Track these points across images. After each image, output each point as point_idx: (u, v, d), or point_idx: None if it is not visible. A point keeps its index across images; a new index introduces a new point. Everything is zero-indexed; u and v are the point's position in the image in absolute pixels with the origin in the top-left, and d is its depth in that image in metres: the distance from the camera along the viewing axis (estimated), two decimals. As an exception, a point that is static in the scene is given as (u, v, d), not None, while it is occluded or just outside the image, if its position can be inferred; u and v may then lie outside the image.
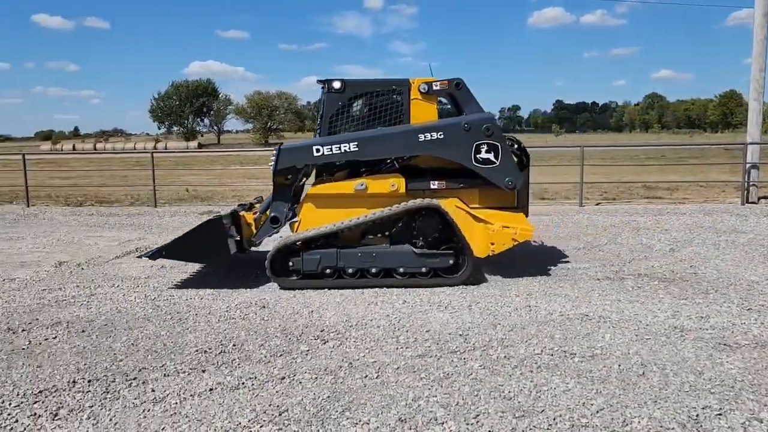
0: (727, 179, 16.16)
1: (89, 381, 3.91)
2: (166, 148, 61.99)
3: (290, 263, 6.20)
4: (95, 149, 67.76)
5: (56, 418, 3.43)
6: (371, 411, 3.47)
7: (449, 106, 6.93)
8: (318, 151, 6.15)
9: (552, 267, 6.97)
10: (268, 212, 6.61)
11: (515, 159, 6.31)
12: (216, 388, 3.79)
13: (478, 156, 6.10)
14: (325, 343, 4.59)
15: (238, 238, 6.40)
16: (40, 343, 4.64)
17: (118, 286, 6.38)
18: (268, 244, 6.69)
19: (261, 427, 3.31)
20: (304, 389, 3.78)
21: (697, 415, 3.33)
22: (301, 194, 6.91)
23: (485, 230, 6.13)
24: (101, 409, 3.54)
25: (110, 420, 3.40)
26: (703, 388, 3.67)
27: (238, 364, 4.19)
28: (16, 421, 3.40)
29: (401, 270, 6.17)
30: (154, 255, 6.35)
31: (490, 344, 4.50)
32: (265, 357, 4.32)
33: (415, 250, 6.14)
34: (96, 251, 8.37)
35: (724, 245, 8.06)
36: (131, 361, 4.24)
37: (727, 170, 18.11)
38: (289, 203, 6.50)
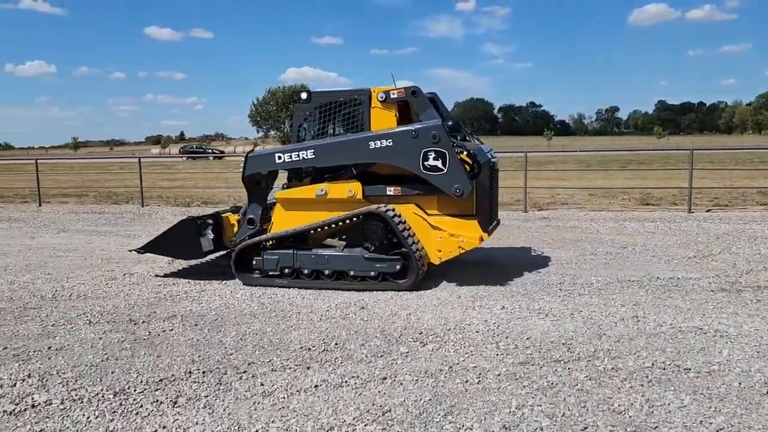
0: None
1: (203, 372, 4.14)
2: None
3: (253, 262, 6.60)
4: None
5: (176, 405, 3.66)
6: (474, 416, 3.45)
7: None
8: (279, 158, 6.59)
9: (659, 276, 6.64)
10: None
11: (466, 166, 6.13)
12: (321, 385, 3.91)
13: (425, 163, 6.11)
14: (424, 346, 4.61)
15: (213, 237, 6.97)
16: (159, 335, 4.96)
17: (225, 282, 6.71)
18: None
19: (365, 425, 3.37)
20: (405, 390, 3.82)
21: (832, 442, 3.07)
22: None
23: (435, 237, 6.19)
24: (215, 399, 3.74)
25: (224, 410, 3.59)
26: (839, 413, 3.37)
27: (341, 363, 4.29)
28: (141, 406, 3.65)
29: (352, 273, 6.33)
30: (140, 250, 7.18)
31: (595, 355, 4.35)
32: (366, 357, 4.40)
33: (364, 254, 6.27)
34: (204, 249, 8.82)
35: None
36: (241, 355, 4.45)
37: None
38: (263, 206, 6.95)
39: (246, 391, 3.84)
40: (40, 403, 3.69)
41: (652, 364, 4.16)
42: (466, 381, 3.95)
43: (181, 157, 41.47)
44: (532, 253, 8.20)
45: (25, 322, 5.37)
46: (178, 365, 4.27)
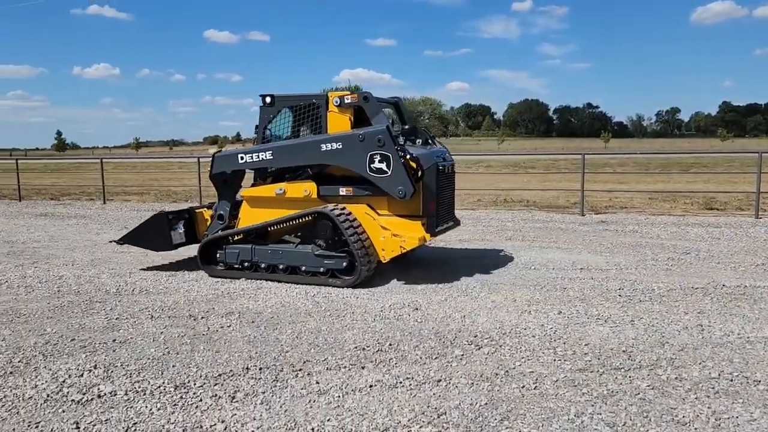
0: None
1: (260, 369, 4.21)
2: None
3: (217, 255, 7.09)
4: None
5: (234, 400, 3.74)
6: (531, 423, 3.39)
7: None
8: (242, 158, 7.07)
9: (726, 284, 6.37)
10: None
11: (410, 169, 6.35)
12: (375, 385, 3.91)
13: (372, 165, 6.37)
14: (479, 349, 4.56)
15: (183, 231, 7.58)
16: (217, 330, 5.08)
17: (280, 281, 6.81)
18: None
19: (420, 427, 3.35)
20: (460, 393, 3.78)
21: None
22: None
23: (381, 236, 6.44)
24: (272, 396, 3.79)
25: (281, 407, 3.64)
26: None
27: (395, 364, 4.29)
28: (201, 400, 3.74)
29: (303, 268, 6.65)
30: (119, 241, 7.75)
31: (658, 363, 4.20)
32: (421, 358, 4.38)
33: (315, 251, 6.58)
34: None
35: None
36: (296, 353, 4.51)
37: None
38: (231, 203, 7.38)
39: (302, 389, 3.88)
40: (105, 394, 3.83)
41: (719, 374, 3.99)
42: (523, 386, 3.88)
43: None
44: (590, 258, 8.00)
45: (91, 315, 5.59)
46: (235, 361, 4.36)
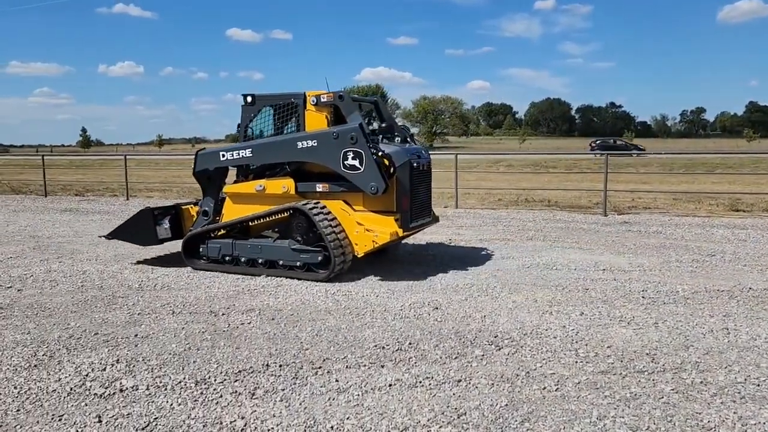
0: None
1: (280, 366, 4.22)
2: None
3: (200, 249, 7.31)
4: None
5: (254, 397, 3.75)
6: (552, 425, 3.35)
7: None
8: (223, 156, 7.31)
9: (752, 287, 6.24)
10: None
11: (382, 166, 6.50)
12: (395, 384, 3.90)
13: (345, 162, 6.54)
14: (499, 350, 4.52)
15: (168, 226, 7.80)
16: (237, 327, 5.11)
17: (300, 279, 6.83)
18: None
19: (440, 427, 3.33)
20: (481, 394, 3.75)
21: None
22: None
23: (355, 231, 6.58)
24: (292, 393, 3.80)
25: (300, 404, 3.64)
26: None
27: (415, 363, 4.27)
28: (221, 396, 3.76)
29: (281, 262, 6.83)
30: (108, 236, 8.03)
31: (682, 367, 4.13)
32: (441, 358, 4.36)
33: (292, 245, 6.74)
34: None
35: None
36: (316, 351, 4.51)
37: None
38: (215, 199, 7.58)
39: (321, 387, 3.88)
40: (127, 388, 3.87)
41: (745, 379, 3.91)
42: (544, 388, 3.84)
43: (593, 153, 39.06)
44: (612, 259, 7.90)
45: (114, 310, 5.65)
46: (256, 357, 4.38)
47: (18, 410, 3.60)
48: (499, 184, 19.42)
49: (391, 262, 7.76)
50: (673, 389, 3.78)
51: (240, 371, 4.13)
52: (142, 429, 3.35)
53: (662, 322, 5.13)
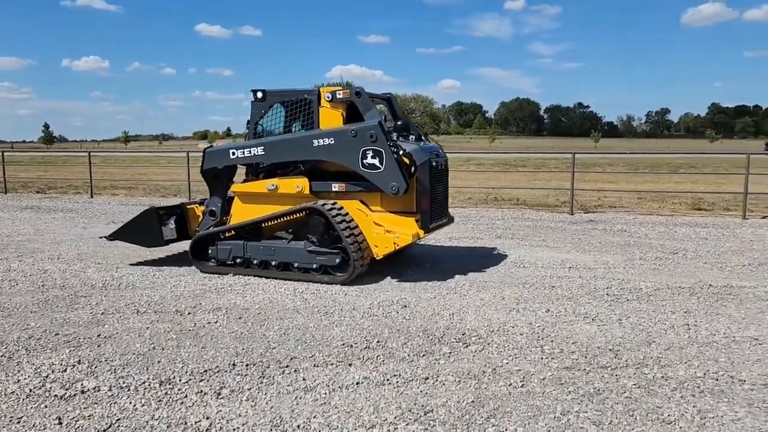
0: None
1: (247, 365, 4.18)
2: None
3: (209, 251, 7.01)
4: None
5: (219, 396, 3.71)
6: (517, 421, 3.38)
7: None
8: (233, 154, 7.01)
9: (712, 284, 6.40)
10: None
11: (403, 165, 6.31)
12: (362, 383, 3.90)
13: (364, 161, 6.33)
14: (467, 347, 4.55)
15: (174, 227, 7.44)
16: (204, 326, 5.04)
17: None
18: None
19: (407, 425, 3.34)
20: (447, 391, 3.77)
21: None
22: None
23: (374, 232, 6.38)
24: (258, 392, 3.76)
25: (266, 403, 3.61)
26: None
27: (383, 361, 4.27)
28: (186, 396, 3.71)
29: (296, 265, 6.60)
30: (109, 237, 7.69)
31: (644, 362, 4.22)
32: (408, 356, 4.37)
33: (307, 247, 6.52)
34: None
35: None
36: (283, 350, 4.48)
37: None
38: (223, 198, 7.32)
39: (288, 386, 3.86)
40: (89, 389, 3.78)
41: (704, 374, 4.01)
42: (510, 384, 3.88)
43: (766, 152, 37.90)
44: (578, 257, 8.02)
45: (76, 310, 5.53)
46: (222, 357, 4.33)
47: (-26, 413, 3.49)
48: (468, 182, 19.57)
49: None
50: (635, 384, 3.86)
51: (206, 371, 4.08)
52: (104, 431, 3.29)
53: (626, 318, 5.23)
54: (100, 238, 8.35)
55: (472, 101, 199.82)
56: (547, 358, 4.34)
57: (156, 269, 7.23)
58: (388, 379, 3.95)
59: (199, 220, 7.62)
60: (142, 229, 7.48)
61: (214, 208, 7.34)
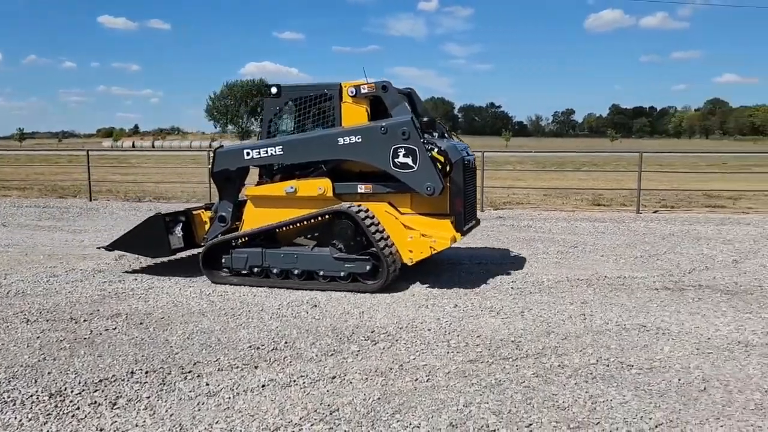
0: (795, 189, 15.40)
1: (146, 372, 4.02)
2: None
3: (222, 260, 6.45)
4: (153, 146, 69.75)
5: (115, 407, 3.54)
6: (422, 414, 3.44)
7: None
8: (248, 154, 6.42)
9: (607, 275, 6.78)
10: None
11: (437, 164, 5.93)
12: (268, 385, 3.84)
13: (396, 160, 5.91)
14: (375, 344, 4.59)
15: (182, 234, 6.88)
16: (101, 334, 4.79)
17: (174, 280, 6.54)
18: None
19: (312, 425, 3.32)
20: (354, 389, 3.78)
21: (764, 436, 3.17)
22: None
23: (407, 237, 6.00)
24: (158, 400, 3.63)
25: (166, 411, 3.48)
26: (771, 408, 3.49)
27: (290, 362, 4.23)
28: (78, 408, 3.51)
29: (322, 273, 6.15)
30: (108, 247, 7.04)
31: (543, 352, 4.40)
32: (316, 356, 4.35)
33: (334, 254, 6.09)
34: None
35: (793, 258, 7.68)
36: (186, 355, 4.34)
37: (794, 179, 17.27)
38: (234, 203, 6.79)
39: (190, 392, 3.74)
40: (-31, 406, 3.51)
41: (597, 360, 4.23)
42: (416, 379, 3.94)
43: None
44: (486, 252, 8.27)
45: (-42, 321, 5.11)
46: (119, 365, 4.14)
47: None
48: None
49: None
50: (533, 374, 4.02)
51: (101, 380, 3.88)
52: (-16, 450, 3.06)
53: (528, 310, 5.44)
54: (98, 248, 7.57)
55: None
56: (452, 352, 4.44)
57: (50, 275, 6.78)
58: (294, 380, 3.91)
59: (206, 226, 7.05)
60: (147, 238, 6.85)
61: (224, 214, 6.76)
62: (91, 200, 14.52)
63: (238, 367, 4.12)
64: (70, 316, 5.23)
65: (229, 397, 3.66)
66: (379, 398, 3.65)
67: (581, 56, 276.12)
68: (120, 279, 6.59)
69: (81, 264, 7.37)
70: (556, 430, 3.25)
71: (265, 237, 6.49)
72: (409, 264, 6.05)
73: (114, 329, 4.90)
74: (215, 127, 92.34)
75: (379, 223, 6.00)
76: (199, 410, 3.50)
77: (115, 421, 3.35)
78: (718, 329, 4.88)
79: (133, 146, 72.56)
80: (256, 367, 4.12)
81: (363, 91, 6.22)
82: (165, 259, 7.56)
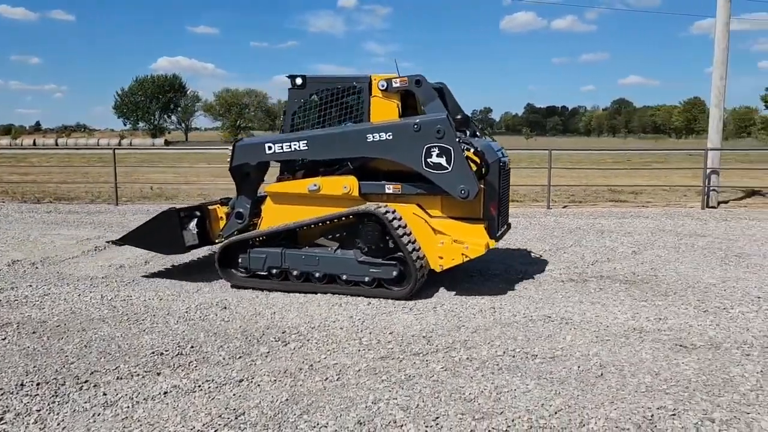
0: (689, 184, 16.51)
1: (38, 384, 3.77)
2: (130, 145, 60.66)
3: (239, 260, 6.17)
4: (56, 144, 65.84)
5: (1, 422, 3.30)
6: (330, 414, 3.41)
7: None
8: (270, 148, 6.10)
9: (518, 268, 7.00)
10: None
11: (473, 165, 5.63)
12: (171, 392, 3.69)
13: (428, 160, 5.59)
14: (285, 345, 4.52)
15: (196, 231, 6.50)
16: (-12, 345, 4.46)
17: (73, 286, 6.18)
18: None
19: (215, 431, 3.22)
20: (262, 392, 3.71)
21: (652, 416, 3.36)
22: None
23: (437, 242, 5.72)
24: (49, 413, 3.41)
25: (58, 424, 3.28)
26: (659, 389, 3.70)
27: (195, 367, 4.09)
28: (-42, 426, 3.25)
29: (344, 277, 5.89)
30: (118, 241, 6.84)
31: (453, 346, 4.48)
32: (224, 359, 4.23)
33: (358, 257, 5.83)
34: (52, 250, 8.12)
35: (684, 248, 8.21)
36: (83, 364, 4.11)
37: (689, 175, 18.51)
38: (252, 199, 6.47)
39: (85, 403, 3.54)
40: None
41: (504, 352, 4.35)
42: (326, 378, 3.91)
43: None
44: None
45: None
46: (8, 378, 3.86)
47: None
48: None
49: (188, 262, 7.36)
50: (443, 367, 4.08)
51: (-15, 396, 3.60)
52: None
53: (440, 305, 5.52)
54: (107, 242, 7.14)
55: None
56: (364, 349, 4.44)
57: (-66, 283, 6.26)
58: (199, 386, 3.78)
59: (221, 222, 6.69)
60: (160, 234, 6.50)
61: (241, 210, 6.44)
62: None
63: (139, 375, 3.94)
64: (-47, 328, 4.84)
65: (128, 407, 3.49)
66: (287, 399, 3.59)
67: (498, 56, 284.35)
68: (12, 286, 6.16)
69: (-31, 271, 6.84)
70: (461, 422, 3.31)
71: (286, 237, 6.20)
72: (438, 271, 5.77)
73: (3, 339, 4.57)
74: (125, 125, 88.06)
75: (407, 226, 5.71)
76: (94, 422, 3.32)
77: (-1, 439, 3.12)
78: (616, 317, 5.14)
79: (34, 144, 68.10)
80: (158, 374, 3.96)
81: (395, 85, 5.90)
82: (70, 263, 7.15)
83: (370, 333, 4.79)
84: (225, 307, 5.43)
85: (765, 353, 4.30)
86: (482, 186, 5.71)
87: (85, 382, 3.82)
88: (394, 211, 5.70)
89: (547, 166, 13.38)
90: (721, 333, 4.74)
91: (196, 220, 6.58)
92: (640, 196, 14.95)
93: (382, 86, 5.93)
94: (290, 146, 6.01)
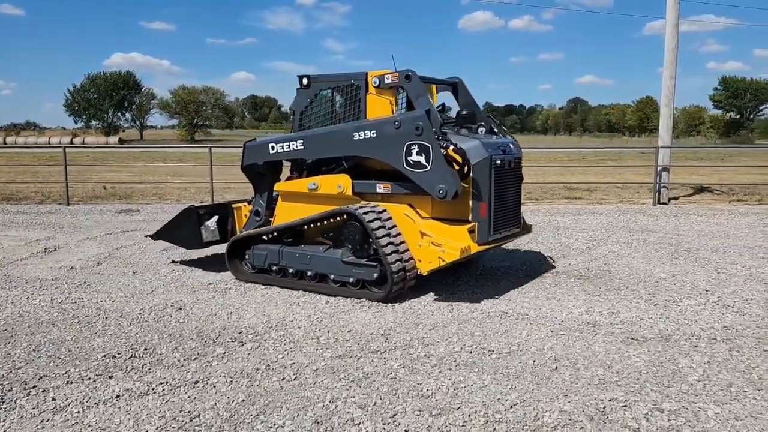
0: (641, 181, 16.97)
1: (-18, 391, 3.64)
2: (83, 143, 58.93)
3: (246, 255, 6.41)
4: (5, 143, 63.50)
5: (-59, 432, 3.17)
6: (287, 414, 3.39)
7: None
8: (273, 148, 6.34)
9: (476, 265, 7.08)
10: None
11: (454, 164, 5.44)
12: (123, 395, 3.61)
13: (409, 158, 5.47)
14: (242, 345, 4.46)
15: (215, 228, 6.86)
16: (-71, 352, 4.28)
17: (21, 288, 5.98)
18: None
19: (170, 434, 3.16)
20: (218, 393, 3.66)
21: (604, 407, 3.44)
22: None
23: (417, 244, 5.54)
24: (-6, 421, 3.29)
25: (3, 432, 3.17)
26: (611, 381, 3.80)
27: (149, 369, 4.00)
28: None
29: (332, 277, 5.84)
30: (152, 236, 7.17)
31: (411, 343, 4.50)
32: (179, 361, 4.15)
33: (343, 257, 5.76)
34: None
35: (636, 244, 8.45)
36: (31, 369, 3.98)
37: (642, 172, 19.02)
38: (268, 197, 6.71)
39: (33, 408, 3.43)
40: None
41: (461, 348, 4.39)
42: (283, 378, 3.88)
43: None
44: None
45: None
46: (-50, 386, 3.71)
47: None
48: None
49: (142, 263, 7.20)
50: (400, 365, 4.09)
51: (-75, 404, 3.45)
52: None
53: (399, 303, 5.54)
54: (145, 237, 7.51)
55: (267, 95, 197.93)
56: (322, 348, 4.42)
57: None
58: (153, 388, 3.70)
59: (245, 220, 6.96)
60: (180, 230, 6.92)
61: (258, 208, 6.73)
62: (-74, 203, 12.96)
63: (90, 379, 3.83)
64: None
65: (78, 412, 3.40)
66: (243, 400, 3.55)
67: (457, 55, 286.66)
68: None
69: None
70: (419, 418, 3.33)
71: (292, 234, 6.31)
72: (423, 274, 5.55)
73: (-55, 346, 4.39)
74: (76, 123, 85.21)
75: (392, 226, 5.53)
76: (42, 428, 3.22)
77: (-61, 449, 2.99)
78: (571, 312, 5.25)
79: (-19, 143, 65.47)
80: (110, 377, 3.86)
81: (387, 81, 5.81)
82: (18, 265, 6.91)
83: (328, 332, 4.77)
84: (180, 308, 5.34)
85: (712, 345, 4.46)
86: (466, 186, 5.51)
87: (33, 387, 3.70)
88: (380, 211, 5.59)
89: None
90: (671, 326, 4.89)
91: (216, 217, 6.92)
92: (595, 193, 15.29)
93: (375, 83, 5.87)
94: (289, 146, 6.20)
